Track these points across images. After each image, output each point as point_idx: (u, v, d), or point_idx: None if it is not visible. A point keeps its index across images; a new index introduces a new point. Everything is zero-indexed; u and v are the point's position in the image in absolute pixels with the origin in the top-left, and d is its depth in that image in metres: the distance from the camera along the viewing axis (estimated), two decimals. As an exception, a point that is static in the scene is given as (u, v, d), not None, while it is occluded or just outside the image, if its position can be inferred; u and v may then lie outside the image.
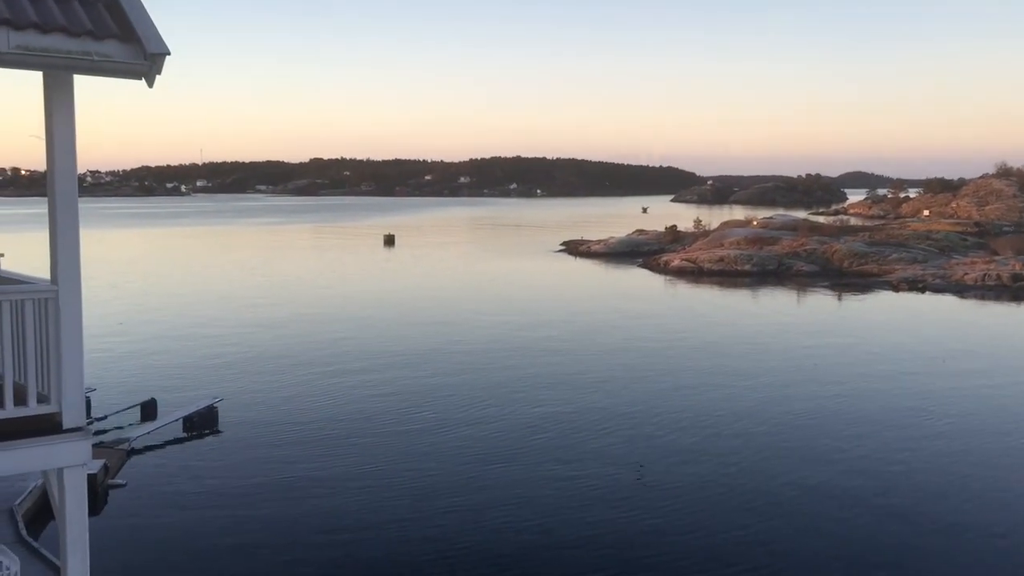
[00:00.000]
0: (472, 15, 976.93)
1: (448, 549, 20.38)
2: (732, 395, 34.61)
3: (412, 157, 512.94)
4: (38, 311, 7.82)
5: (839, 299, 65.36)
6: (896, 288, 70.23)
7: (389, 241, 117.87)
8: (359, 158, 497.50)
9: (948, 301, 64.26)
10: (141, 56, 7.12)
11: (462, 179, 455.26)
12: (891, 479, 25.14)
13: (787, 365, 40.54)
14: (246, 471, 25.40)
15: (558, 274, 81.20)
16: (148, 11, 7.46)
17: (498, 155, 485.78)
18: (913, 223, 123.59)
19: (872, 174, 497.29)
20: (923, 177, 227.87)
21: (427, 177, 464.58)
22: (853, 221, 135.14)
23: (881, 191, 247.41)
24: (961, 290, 68.62)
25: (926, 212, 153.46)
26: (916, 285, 70.90)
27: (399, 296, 63.83)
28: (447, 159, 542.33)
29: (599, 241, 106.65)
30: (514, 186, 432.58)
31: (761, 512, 22.63)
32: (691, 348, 44.69)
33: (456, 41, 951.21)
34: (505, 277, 77.15)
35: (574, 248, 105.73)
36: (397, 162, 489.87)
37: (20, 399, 7.70)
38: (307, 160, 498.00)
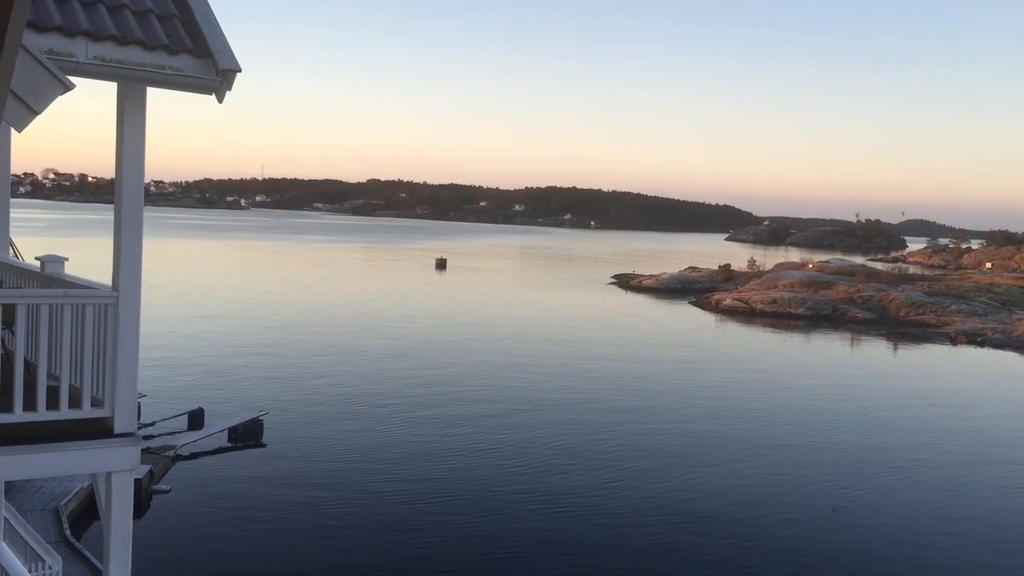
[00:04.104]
0: (533, 50, 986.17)
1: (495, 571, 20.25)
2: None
3: (468, 183, 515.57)
4: (98, 316, 7.92)
5: (895, 349, 63.99)
6: (954, 341, 68.52)
7: (441, 265, 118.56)
8: (416, 181, 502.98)
9: (1008, 357, 62.54)
10: (213, 72, 7.20)
11: (516, 207, 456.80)
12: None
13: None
14: (287, 484, 25.56)
15: (610, 309, 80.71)
16: (222, 27, 7.56)
17: (553, 185, 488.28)
18: (974, 275, 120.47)
19: (933, 223, 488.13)
20: (986, 228, 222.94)
21: (482, 203, 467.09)
22: (912, 269, 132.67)
23: (942, 240, 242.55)
24: (1022, 346, 66.74)
25: (988, 264, 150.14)
26: (975, 339, 69.09)
27: (449, 321, 64.01)
28: (503, 186, 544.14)
29: (651, 276, 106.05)
30: (568, 217, 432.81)
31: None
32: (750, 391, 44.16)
33: (516, 72, 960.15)
34: (556, 309, 76.92)
35: (625, 282, 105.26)
36: (453, 187, 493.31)
37: (75, 402, 7.79)
38: (365, 180, 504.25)
